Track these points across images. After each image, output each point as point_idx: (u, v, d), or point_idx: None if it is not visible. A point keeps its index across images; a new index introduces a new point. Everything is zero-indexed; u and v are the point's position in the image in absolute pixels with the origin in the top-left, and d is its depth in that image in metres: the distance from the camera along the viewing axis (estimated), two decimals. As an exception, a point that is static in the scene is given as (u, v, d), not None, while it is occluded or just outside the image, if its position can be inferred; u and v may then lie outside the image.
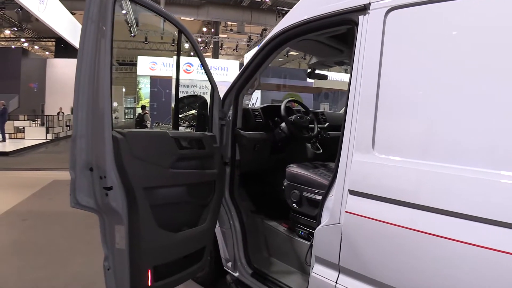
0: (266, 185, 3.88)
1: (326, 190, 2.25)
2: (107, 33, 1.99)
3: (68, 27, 18.82)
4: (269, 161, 3.69)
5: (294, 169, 3.02)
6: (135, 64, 25.98)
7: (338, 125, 4.15)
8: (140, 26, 21.05)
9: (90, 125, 2.01)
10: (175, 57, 21.08)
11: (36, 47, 29.23)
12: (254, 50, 20.90)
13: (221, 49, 26.48)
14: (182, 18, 21.62)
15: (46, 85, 24.72)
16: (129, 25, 19.31)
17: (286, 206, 3.11)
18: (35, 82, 23.92)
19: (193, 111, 3.30)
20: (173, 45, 24.65)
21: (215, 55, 25.86)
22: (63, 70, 23.61)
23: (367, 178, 1.95)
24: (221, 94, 3.03)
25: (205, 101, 3.09)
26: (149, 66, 22.32)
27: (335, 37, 3.10)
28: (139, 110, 18.13)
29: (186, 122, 3.59)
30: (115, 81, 40.90)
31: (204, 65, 2.92)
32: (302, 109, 3.95)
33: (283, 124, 3.46)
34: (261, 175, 3.88)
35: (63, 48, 24.40)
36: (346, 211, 2.01)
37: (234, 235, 3.10)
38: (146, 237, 2.26)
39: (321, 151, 3.74)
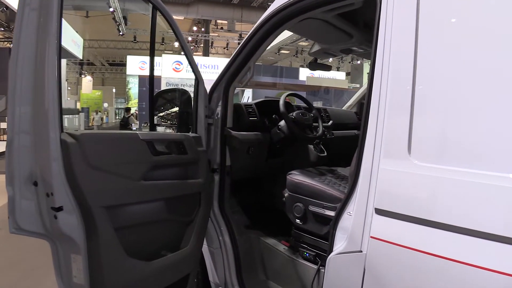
0: (262, 195, 3.44)
1: (341, 205, 1.81)
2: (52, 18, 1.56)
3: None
4: (266, 166, 3.22)
5: (296, 177, 2.54)
6: (125, 65, 25.59)
7: (343, 123, 3.73)
8: (129, 25, 20.56)
9: (31, 125, 1.57)
10: (164, 56, 21.09)
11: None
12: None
13: (211, 48, 25.94)
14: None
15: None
16: (117, 23, 18.81)
17: (286, 221, 2.65)
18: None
19: (174, 109, 2.84)
20: (163, 44, 24.31)
21: (206, 54, 25.34)
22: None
23: (402, 193, 1.49)
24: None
25: (189, 96, 2.67)
26: (139, 66, 22.01)
27: (344, 17, 2.65)
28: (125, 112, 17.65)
29: (168, 122, 3.06)
30: (106, 82, 41.39)
31: (185, 50, 2.48)
32: (303, 104, 3.46)
33: (282, 123, 2.96)
34: (256, 184, 3.43)
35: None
36: (371, 237, 1.56)
37: (224, 255, 2.65)
38: (111, 269, 1.80)
39: (326, 153, 3.30)
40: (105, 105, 36.30)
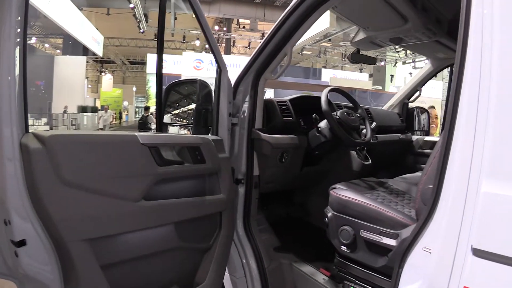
0: (295, 210, 2.97)
1: (413, 236, 1.34)
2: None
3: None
4: (300, 176, 2.72)
5: (343, 192, 2.04)
6: (145, 63, 25.43)
7: (386, 126, 3.22)
8: (150, 22, 20.32)
9: None
10: (184, 54, 20.74)
11: (46, 45, 28.60)
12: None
13: (233, 47, 25.54)
14: (194, 15, 21.13)
15: (54, 83, 24.01)
16: (138, 20, 18.57)
17: (325, 242, 2.20)
18: (41, 79, 23.31)
19: (190, 105, 2.40)
20: (184, 43, 24.04)
21: (227, 52, 24.91)
22: (72, 68, 22.94)
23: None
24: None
25: (209, 89, 2.20)
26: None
27: None
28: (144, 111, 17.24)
29: (182, 121, 2.54)
30: (127, 80, 41.45)
31: (206, 32, 2.04)
32: (343, 103, 2.95)
33: (323, 124, 2.46)
34: (286, 196, 2.94)
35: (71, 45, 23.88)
36: (466, 287, 1.10)
37: (250, 286, 2.18)
38: None
39: (370, 161, 2.81)
40: (125, 103, 36.27)
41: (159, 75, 2.10)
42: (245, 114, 2.20)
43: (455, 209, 1.16)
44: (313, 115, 2.53)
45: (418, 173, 2.97)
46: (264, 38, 2.11)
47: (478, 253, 1.08)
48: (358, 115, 2.62)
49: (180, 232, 1.66)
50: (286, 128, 2.47)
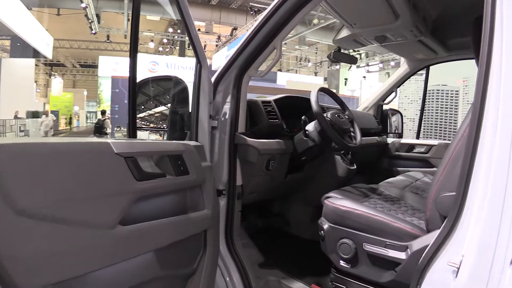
0: (275, 221, 2.78)
1: (434, 249, 1.19)
2: None
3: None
4: (284, 184, 2.52)
5: (340, 202, 1.87)
6: (97, 66, 24.70)
7: (365, 128, 3.09)
8: (102, 23, 19.75)
9: None
10: (139, 56, 20.33)
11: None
12: (223, 50, 20.10)
13: (188, 49, 25.16)
14: (148, 17, 20.79)
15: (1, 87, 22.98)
16: (90, 21, 17.97)
17: (314, 256, 2.12)
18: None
19: (163, 107, 2.12)
20: (139, 45, 23.54)
21: (182, 54, 24.68)
22: (21, 71, 21.81)
23: None
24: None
25: (185, 88, 1.96)
26: (112, 67, 21.06)
27: None
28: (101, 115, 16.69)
29: (151, 125, 2.18)
30: (77, 84, 40.26)
31: (188, 24, 1.75)
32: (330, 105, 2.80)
33: (311, 127, 2.28)
34: (265, 206, 2.76)
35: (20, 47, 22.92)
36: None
37: None
38: None
39: (355, 166, 2.68)
40: (76, 108, 35.13)
41: (133, 77, 1.78)
42: (226, 116, 1.98)
43: (492, 218, 1.01)
44: (303, 117, 2.34)
45: (400, 177, 2.85)
46: (250, 31, 1.89)
47: None
48: (347, 117, 2.45)
49: (162, 259, 1.40)
50: (271, 132, 2.27)
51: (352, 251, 1.75)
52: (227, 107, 1.99)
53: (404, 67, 3.51)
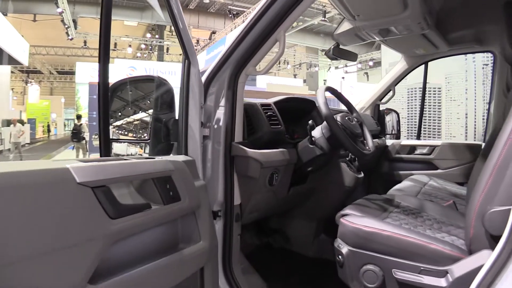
0: (275, 239, 2.55)
1: (493, 275, 1.00)
2: None
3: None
4: (286, 199, 2.25)
5: (360, 221, 1.62)
6: (74, 73, 24.23)
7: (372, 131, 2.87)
8: (79, 29, 19.39)
9: None
10: (116, 61, 19.89)
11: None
12: (202, 54, 19.92)
13: (167, 54, 24.90)
14: (126, 22, 20.57)
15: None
16: (66, 26, 17.61)
17: (325, 276, 2.00)
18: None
19: (143, 113, 1.76)
20: (115, 50, 23.16)
21: (160, 59, 24.36)
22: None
23: None
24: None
25: (170, 90, 1.67)
26: (90, 73, 20.63)
27: None
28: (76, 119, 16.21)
29: (129, 135, 1.78)
30: (55, 91, 39.57)
31: (175, 15, 1.51)
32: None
33: (317, 133, 2.04)
34: (266, 222, 2.53)
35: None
36: None
37: None
38: None
39: (362, 174, 2.45)
40: (54, 115, 34.50)
41: (103, 81, 1.47)
42: (220, 123, 1.70)
43: None
44: (310, 122, 2.05)
45: (407, 182, 2.66)
46: (247, 21, 1.64)
47: None
48: (356, 120, 2.19)
49: None
50: (273, 140, 2.00)
51: (379, 279, 1.51)
52: (220, 112, 1.72)
53: (402, 63, 3.32)
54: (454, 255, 1.37)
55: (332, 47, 2.50)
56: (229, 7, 18.74)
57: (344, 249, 1.62)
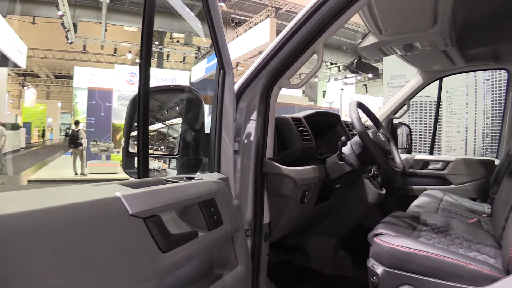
0: (295, 257, 2.51)
1: None
2: None
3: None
4: (312, 216, 2.20)
5: (396, 241, 1.60)
6: (72, 77, 24.10)
7: None
8: (79, 33, 19.34)
9: None
10: (116, 67, 19.83)
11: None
12: (203, 62, 19.92)
13: (167, 61, 24.84)
14: (126, 27, 20.52)
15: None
16: (66, 30, 17.57)
17: None
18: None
19: (173, 126, 1.63)
20: (114, 55, 23.10)
21: (159, 66, 24.17)
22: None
23: None
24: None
25: (200, 101, 1.55)
26: (88, 78, 20.57)
27: None
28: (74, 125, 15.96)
29: (158, 148, 1.68)
30: (51, 95, 39.44)
31: (214, 23, 1.40)
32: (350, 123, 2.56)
33: (347, 149, 2.01)
34: (284, 239, 2.41)
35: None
36: None
37: None
38: None
39: (384, 190, 2.42)
40: (50, 120, 34.35)
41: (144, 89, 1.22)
42: (251, 138, 1.62)
43: None
44: (343, 138, 2.01)
45: (424, 198, 2.66)
46: (285, 31, 1.59)
47: None
48: (384, 136, 2.17)
49: None
50: (303, 156, 1.96)
51: None
52: (251, 127, 1.64)
53: (417, 78, 3.33)
54: (492, 275, 1.36)
55: (355, 60, 2.50)
56: (231, 15, 18.73)
57: (379, 269, 1.60)
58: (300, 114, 2.20)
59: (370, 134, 1.99)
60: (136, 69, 18.80)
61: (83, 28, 19.44)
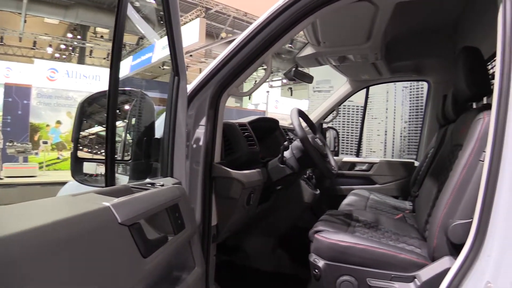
0: (237, 257, 2.60)
1: (461, 277, 1.18)
2: None
3: None
4: (254, 217, 2.32)
5: (336, 236, 1.76)
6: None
7: None
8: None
9: None
10: (36, 61, 18.90)
11: None
12: (128, 60, 19.49)
13: (90, 56, 23.98)
14: (46, 19, 19.65)
15: None
16: (-21, 21, 16.62)
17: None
18: None
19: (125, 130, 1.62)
20: (33, 49, 21.99)
21: (81, 62, 23.24)
22: None
23: None
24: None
25: (151, 105, 1.58)
26: (3, 73, 19.38)
27: None
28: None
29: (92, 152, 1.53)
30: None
31: (173, 27, 1.45)
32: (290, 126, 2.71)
33: (288, 153, 2.14)
34: (226, 240, 2.54)
35: None
36: None
37: None
38: None
39: (319, 191, 2.60)
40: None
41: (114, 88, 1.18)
42: (200, 143, 1.67)
43: None
44: (285, 143, 2.15)
45: (352, 197, 2.89)
46: (235, 44, 1.67)
47: None
48: (320, 140, 2.34)
49: None
50: (248, 160, 2.07)
51: None
52: (200, 132, 1.68)
53: (346, 86, 3.60)
54: (420, 262, 1.57)
55: (293, 69, 2.66)
56: (160, 12, 18.50)
57: (321, 263, 1.73)
58: (245, 120, 2.33)
59: (310, 140, 2.12)
60: (57, 65, 17.99)
61: (0, 18, 18.48)
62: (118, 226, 0.84)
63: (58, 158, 14.58)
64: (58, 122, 15.17)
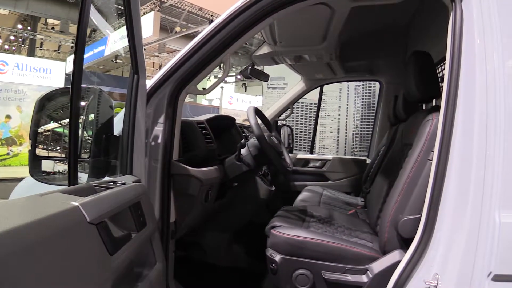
0: (195, 253, 2.63)
1: (409, 269, 1.30)
2: None
3: None
4: (211, 213, 2.36)
5: (292, 231, 1.81)
6: None
7: None
8: None
9: None
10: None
11: None
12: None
13: (40, 49, 23.22)
14: (-5, 10, 19.02)
15: None
16: None
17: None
18: None
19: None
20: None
21: (31, 54, 22.45)
22: None
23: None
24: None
25: (109, 101, 1.49)
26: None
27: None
28: None
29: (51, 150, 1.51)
30: None
31: (134, 24, 1.44)
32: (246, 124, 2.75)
33: (245, 151, 2.18)
34: (196, 237, 2.56)
35: None
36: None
37: None
38: None
39: (274, 187, 2.66)
40: None
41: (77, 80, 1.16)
42: (158, 141, 1.68)
43: (471, 239, 1.13)
44: (242, 141, 2.19)
45: (306, 193, 2.96)
46: (194, 42, 1.68)
47: (498, 278, 1.08)
48: (276, 138, 2.39)
49: None
50: (206, 158, 2.10)
51: (311, 281, 1.72)
52: (159, 130, 1.69)
53: (301, 85, 3.67)
54: (372, 256, 1.65)
55: (250, 67, 2.69)
56: (114, 5, 18.17)
57: (277, 257, 1.78)
58: (202, 118, 2.35)
59: (266, 138, 2.16)
60: (6, 57, 17.30)
61: None
62: (87, 225, 0.85)
63: (8, 154, 14.03)
64: (8, 117, 14.58)
